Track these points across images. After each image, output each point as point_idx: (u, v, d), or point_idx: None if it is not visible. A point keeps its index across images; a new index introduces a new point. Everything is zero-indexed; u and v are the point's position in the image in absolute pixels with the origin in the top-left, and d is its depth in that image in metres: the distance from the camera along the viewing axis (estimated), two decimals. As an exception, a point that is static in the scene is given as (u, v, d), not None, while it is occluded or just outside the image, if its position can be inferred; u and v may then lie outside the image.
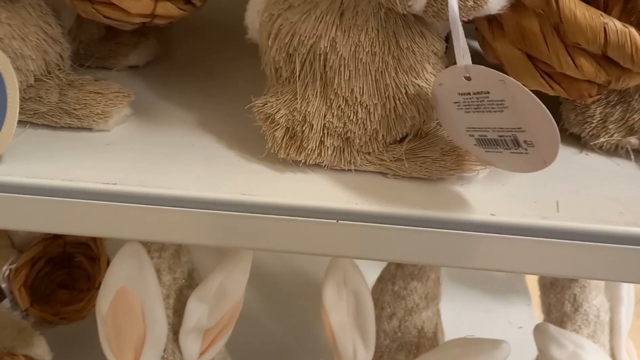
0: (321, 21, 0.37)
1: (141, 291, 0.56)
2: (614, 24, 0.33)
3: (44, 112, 0.44)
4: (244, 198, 0.38)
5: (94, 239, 0.83)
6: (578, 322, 0.63)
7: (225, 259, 0.58)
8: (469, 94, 0.34)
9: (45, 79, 0.44)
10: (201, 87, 0.51)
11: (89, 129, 0.44)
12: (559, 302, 0.64)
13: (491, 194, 0.39)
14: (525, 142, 0.34)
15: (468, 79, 0.34)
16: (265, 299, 0.87)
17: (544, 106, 0.31)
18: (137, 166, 0.41)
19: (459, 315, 0.80)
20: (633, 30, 0.33)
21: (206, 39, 0.59)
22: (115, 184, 0.39)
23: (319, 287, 0.58)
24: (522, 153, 0.34)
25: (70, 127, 0.44)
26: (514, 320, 0.64)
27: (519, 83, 0.31)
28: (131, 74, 0.52)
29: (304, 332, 0.82)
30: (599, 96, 0.38)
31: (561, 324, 0.64)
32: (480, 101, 0.34)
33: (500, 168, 0.38)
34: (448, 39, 0.43)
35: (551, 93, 0.38)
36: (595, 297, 0.64)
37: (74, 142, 0.43)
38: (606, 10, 0.38)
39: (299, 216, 0.38)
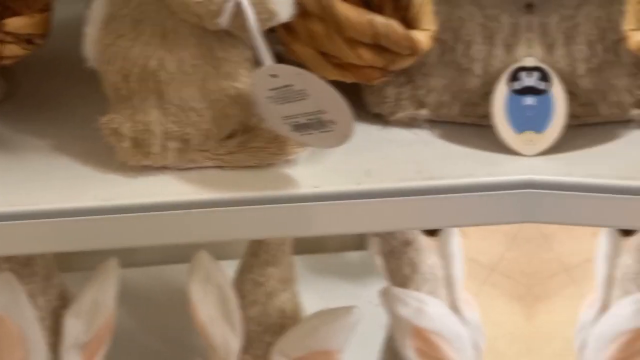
0: (148, 44, 0.43)
1: (17, 317, 0.56)
2: (378, 19, 0.41)
3: None
4: (103, 203, 0.43)
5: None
6: (418, 282, 0.69)
7: (94, 275, 0.60)
8: (278, 88, 0.41)
9: None
10: (54, 116, 0.53)
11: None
12: (398, 267, 0.70)
13: (313, 171, 0.46)
14: (328, 121, 0.41)
15: (274, 76, 0.40)
16: (139, 315, 0.87)
17: (333, 89, 0.39)
18: (-2, 191, 0.43)
19: (325, 303, 0.86)
20: (393, 22, 0.41)
21: (53, 72, 0.61)
22: (-27, 208, 0.41)
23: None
24: (328, 131, 0.42)
25: None
26: (374, 299, 0.70)
27: (311, 73, 0.39)
28: (-16, 115, 0.53)
29: (179, 339, 0.83)
30: (386, 78, 0.46)
31: (404, 285, 0.69)
32: (288, 93, 0.41)
33: (316, 147, 0.45)
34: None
35: (347, 80, 0.45)
36: (429, 257, 0.70)
37: None
38: (380, 8, 0.46)
39: (151, 211, 0.43)
